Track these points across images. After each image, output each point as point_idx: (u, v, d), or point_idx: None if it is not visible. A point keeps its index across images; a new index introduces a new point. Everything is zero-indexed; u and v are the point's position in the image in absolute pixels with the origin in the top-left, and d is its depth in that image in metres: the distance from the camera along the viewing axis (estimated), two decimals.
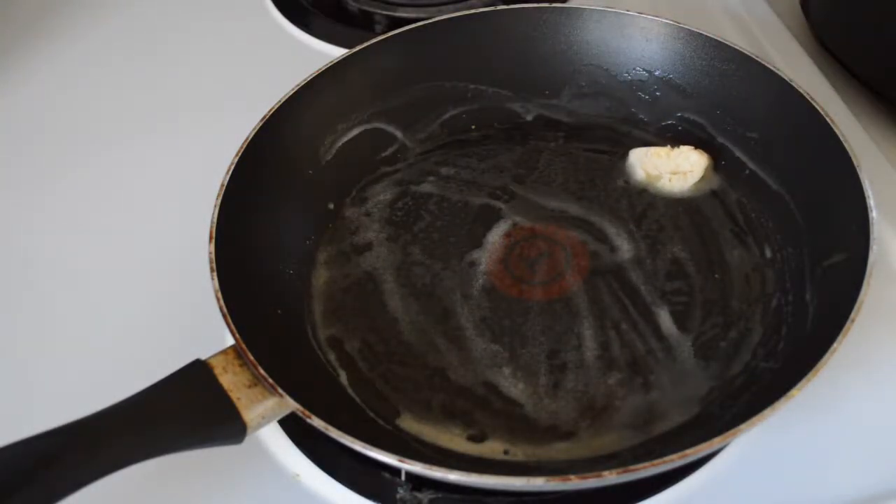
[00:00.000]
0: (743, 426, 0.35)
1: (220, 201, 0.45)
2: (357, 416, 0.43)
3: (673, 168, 0.52)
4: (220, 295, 0.41)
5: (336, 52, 0.60)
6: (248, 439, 0.38)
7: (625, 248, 0.50)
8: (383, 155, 0.55)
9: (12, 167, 0.61)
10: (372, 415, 0.43)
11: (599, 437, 0.42)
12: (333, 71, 0.53)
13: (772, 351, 0.44)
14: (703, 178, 0.52)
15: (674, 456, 0.35)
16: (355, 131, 0.54)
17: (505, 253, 0.50)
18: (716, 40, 0.53)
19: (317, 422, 0.37)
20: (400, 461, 0.36)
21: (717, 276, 0.48)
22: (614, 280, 0.48)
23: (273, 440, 0.44)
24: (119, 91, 0.66)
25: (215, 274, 0.41)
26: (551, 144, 0.56)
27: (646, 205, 0.52)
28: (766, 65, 0.50)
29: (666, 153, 0.52)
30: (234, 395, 0.37)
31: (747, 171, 0.52)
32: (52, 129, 0.63)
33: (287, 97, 0.51)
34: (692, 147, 0.52)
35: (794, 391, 0.36)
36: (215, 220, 0.44)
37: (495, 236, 0.51)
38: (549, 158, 0.55)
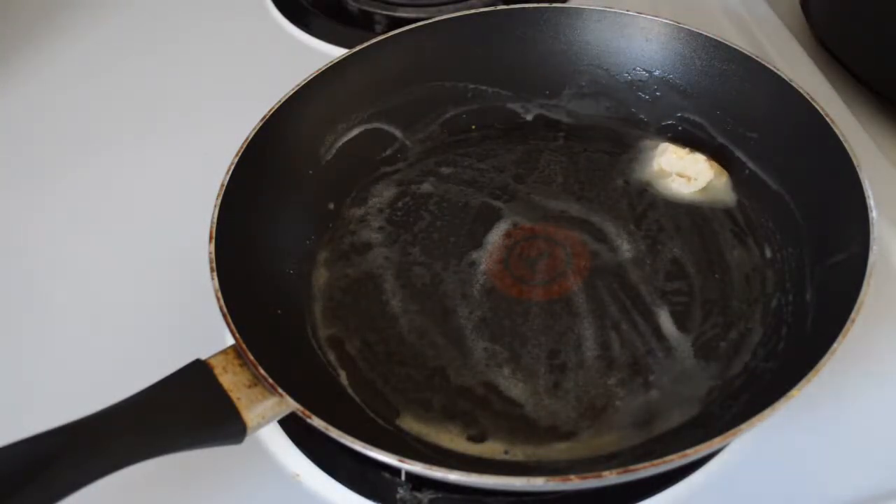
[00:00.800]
0: (743, 426, 0.35)
1: (220, 201, 0.45)
2: (357, 416, 0.43)
3: (680, 170, 0.52)
4: (220, 295, 0.41)
5: (336, 52, 0.60)
6: (248, 439, 0.38)
7: (625, 248, 0.50)
8: (383, 155, 0.55)
9: (12, 167, 0.61)
10: (372, 415, 0.43)
11: (599, 437, 0.42)
12: (333, 71, 0.53)
13: (772, 351, 0.44)
14: (705, 188, 0.52)
15: (674, 456, 0.35)
16: (355, 131, 0.54)
17: (505, 253, 0.50)
18: (716, 40, 0.53)
19: (317, 422, 0.37)
20: (400, 461, 0.36)
21: (717, 276, 0.48)
22: (614, 280, 0.48)
23: (273, 440, 0.44)
24: (119, 91, 0.66)
25: (215, 274, 0.41)
26: (551, 144, 0.56)
27: (646, 205, 0.52)
28: (766, 65, 0.50)
29: (681, 155, 0.52)
30: (234, 395, 0.37)
31: (747, 171, 0.52)
32: (52, 129, 0.63)
33: (287, 97, 0.51)
34: (706, 157, 0.52)
35: (794, 391, 0.36)
36: (215, 220, 0.44)
37: (495, 236, 0.51)
38: (549, 158, 0.55)
